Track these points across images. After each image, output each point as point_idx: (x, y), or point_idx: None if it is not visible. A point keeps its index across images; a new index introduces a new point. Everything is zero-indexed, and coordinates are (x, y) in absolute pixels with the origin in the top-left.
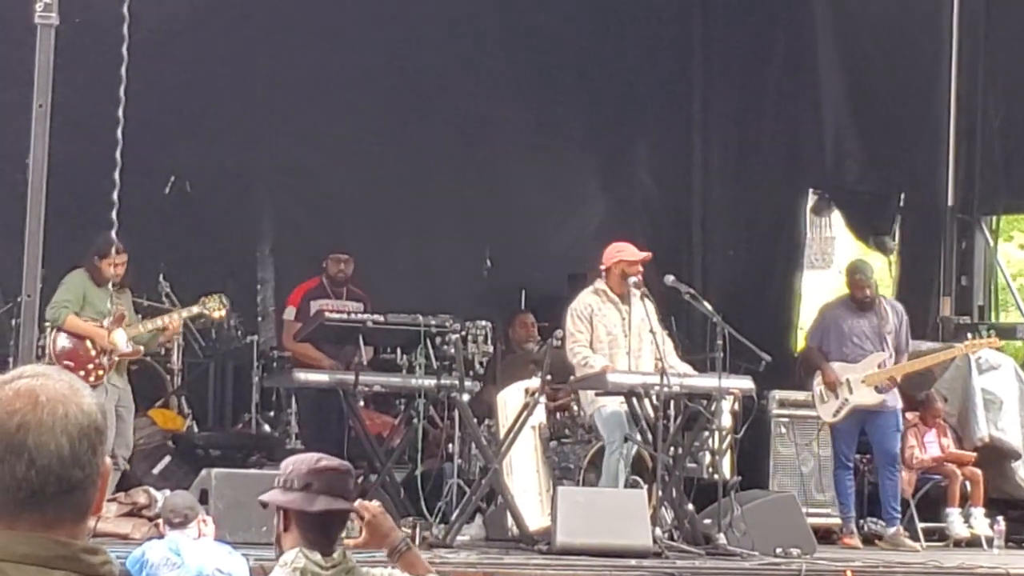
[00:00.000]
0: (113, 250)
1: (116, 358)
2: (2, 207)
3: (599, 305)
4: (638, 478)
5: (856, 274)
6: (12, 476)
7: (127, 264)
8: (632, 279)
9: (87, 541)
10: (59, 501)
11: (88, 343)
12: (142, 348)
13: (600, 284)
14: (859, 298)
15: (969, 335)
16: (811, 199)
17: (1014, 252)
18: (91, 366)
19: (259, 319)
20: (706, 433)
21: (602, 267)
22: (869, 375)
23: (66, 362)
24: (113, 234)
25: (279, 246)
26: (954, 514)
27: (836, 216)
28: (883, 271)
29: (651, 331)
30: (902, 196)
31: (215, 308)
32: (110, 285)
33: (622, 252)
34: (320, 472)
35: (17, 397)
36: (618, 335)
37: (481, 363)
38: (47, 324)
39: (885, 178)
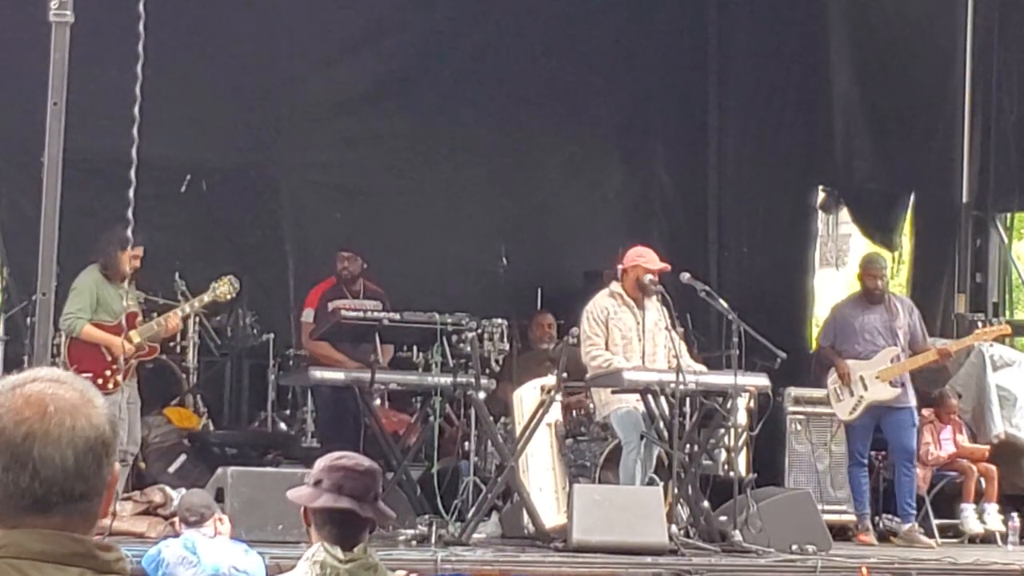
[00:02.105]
0: (134, 245)
1: (134, 361)
2: (18, 205)
3: (615, 308)
4: (654, 475)
5: (870, 265)
6: (16, 485)
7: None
8: (648, 277)
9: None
10: (64, 509)
11: (104, 350)
12: (158, 346)
13: (616, 287)
14: (870, 288)
15: (979, 324)
16: (819, 196)
17: None
18: (108, 373)
19: (283, 317)
20: (722, 430)
21: (620, 267)
22: (883, 370)
23: (85, 374)
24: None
25: (297, 244)
26: (969, 510)
27: (846, 213)
28: (890, 267)
29: (666, 328)
30: (912, 194)
31: (226, 292)
32: (124, 283)
33: (642, 258)
34: (333, 469)
35: (27, 405)
36: (632, 338)
37: (497, 361)
38: (60, 331)
39: (896, 175)
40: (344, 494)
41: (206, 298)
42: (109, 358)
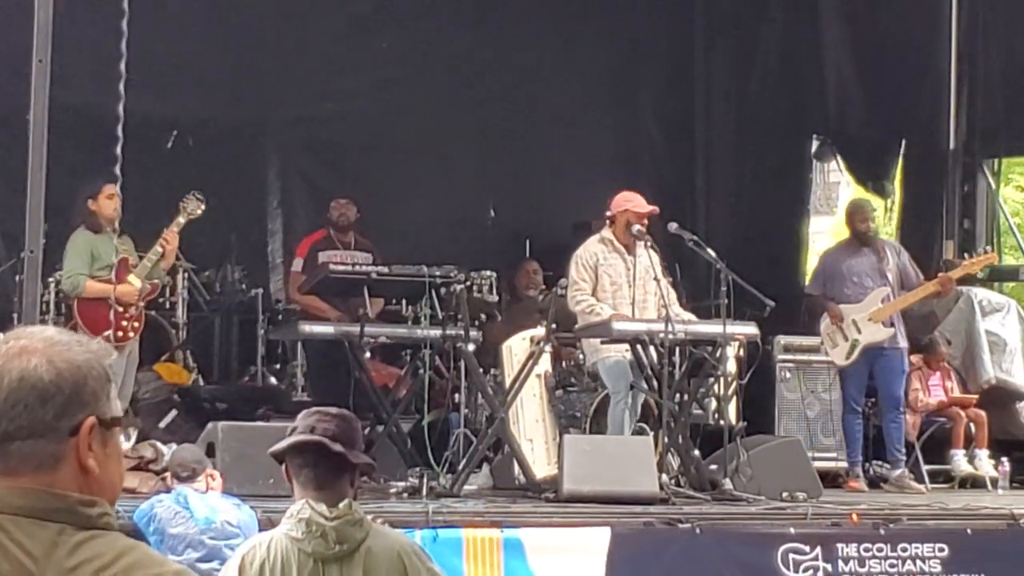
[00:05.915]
0: (103, 185)
1: (141, 304)
2: (3, 162)
3: (605, 254)
4: (644, 425)
5: (859, 209)
6: None
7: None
8: (636, 227)
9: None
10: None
11: (112, 301)
12: (159, 282)
13: (607, 233)
14: (861, 231)
15: (965, 255)
16: (814, 145)
17: (1012, 194)
18: (124, 323)
19: (269, 272)
20: (711, 379)
21: (608, 214)
22: (874, 311)
23: (104, 332)
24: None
25: (286, 198)
26: (958, 455)
27: (838, 161)
28: (880, 215)
29: (655, 279)
30: (903, 141)
31: (195, 208)
32: (113, 236)
33: (630, 202)
34: (305, 416)
35: None
36: (623, 284)
37: (486, 312)
38: (61, 290)
39: (887, 123)
40: (316, 433)
41: (181, 220)
42: (120, 308)
